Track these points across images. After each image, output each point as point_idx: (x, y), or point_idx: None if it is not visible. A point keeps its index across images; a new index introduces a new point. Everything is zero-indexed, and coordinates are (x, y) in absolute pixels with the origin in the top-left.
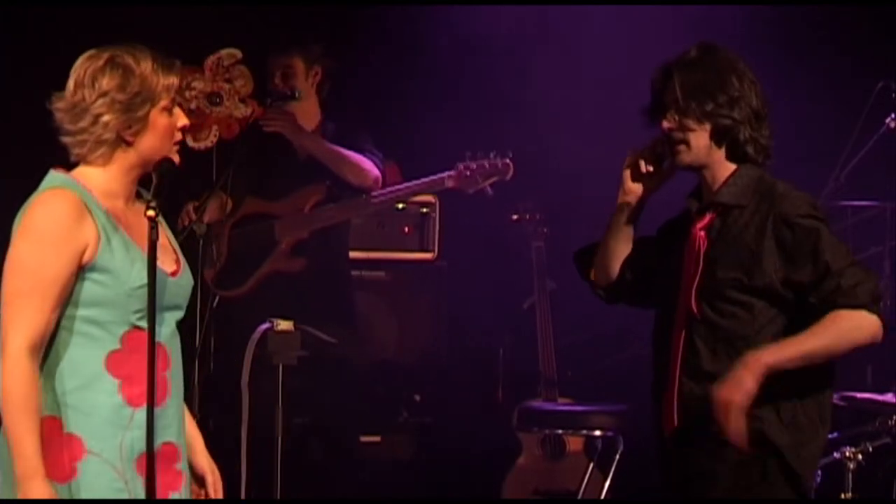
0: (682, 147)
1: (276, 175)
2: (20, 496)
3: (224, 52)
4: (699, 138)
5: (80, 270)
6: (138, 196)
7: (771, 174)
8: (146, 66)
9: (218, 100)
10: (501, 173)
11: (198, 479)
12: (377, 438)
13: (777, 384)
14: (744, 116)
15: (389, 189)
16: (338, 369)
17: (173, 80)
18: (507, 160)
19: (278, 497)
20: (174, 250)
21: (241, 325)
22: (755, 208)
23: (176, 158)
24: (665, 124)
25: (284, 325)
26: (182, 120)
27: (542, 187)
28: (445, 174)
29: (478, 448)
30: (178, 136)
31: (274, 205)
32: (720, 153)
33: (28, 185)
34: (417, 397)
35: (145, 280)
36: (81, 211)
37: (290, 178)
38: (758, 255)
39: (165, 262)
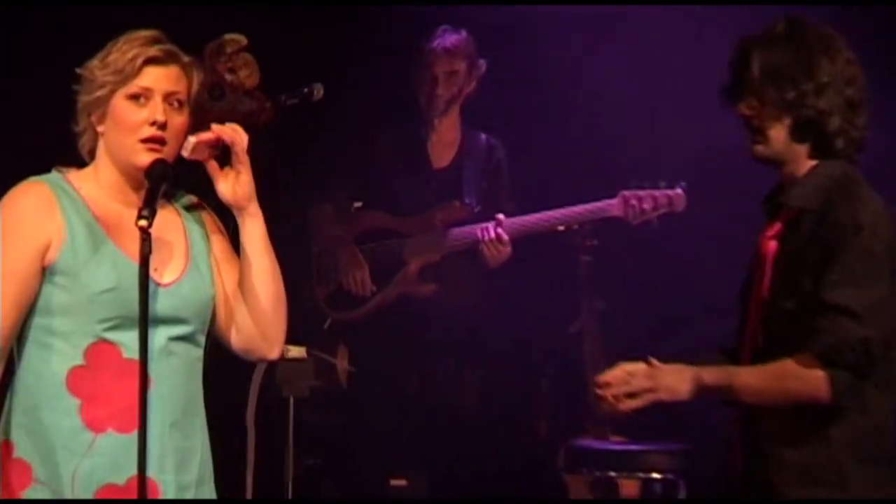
0: (759, 138)
1: (404, 186)
2: None
3: (226, 37)
4: (778, 130)
5: (45, 273)
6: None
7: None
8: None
9: (219, 93)
10: (673, 205)
11: None
12: (404, 482)
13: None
14: (833, 105)
15: (537, 216)
16: (357, 403)
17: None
18: (679, 190)
19: None
20: (186, 256)
21: (356, 351)
22: (823, 213)
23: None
24: (741, 111)
25: (296, 351)
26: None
27: (591, 193)
28: (607, 202)
29: (518, 491)
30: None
31: (403, 221)
32: (802, 148)
33: None
34: (450, 435)
35: (112, 284)
36: (47, 205)
37: (422, 189)
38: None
39: (159, 271)
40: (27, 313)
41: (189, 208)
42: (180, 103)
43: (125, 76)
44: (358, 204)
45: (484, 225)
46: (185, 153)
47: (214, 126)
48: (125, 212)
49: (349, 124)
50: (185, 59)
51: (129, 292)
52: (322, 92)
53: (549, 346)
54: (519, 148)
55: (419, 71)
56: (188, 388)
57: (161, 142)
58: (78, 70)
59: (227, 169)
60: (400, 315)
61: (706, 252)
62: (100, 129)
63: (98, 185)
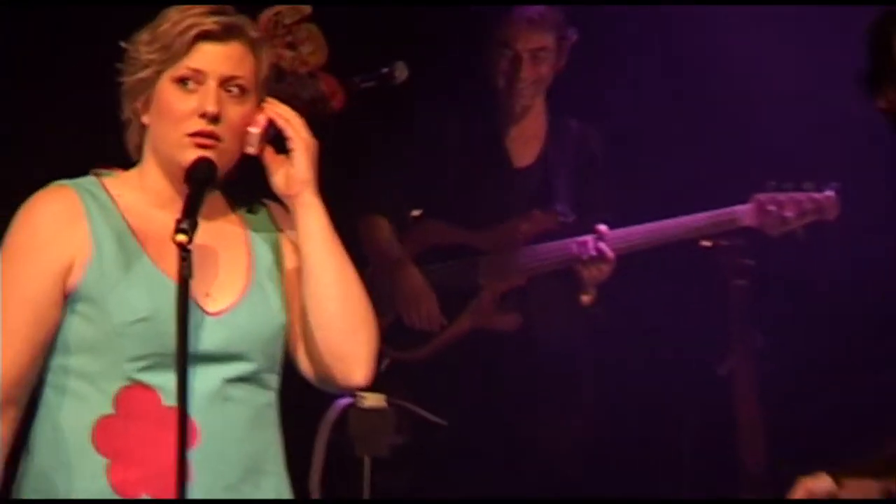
0: None
1: (478, 190)
2: None
3: (284, 6)
4: None
5: (67, 301)
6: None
7: None
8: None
9: (276, 74)
10: (824, 212)
11: None
12: None
13: None
14: None
15: (649, 227)
16: (452, 464)
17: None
18: (831, 192)
19: None
20: (248, 276)
21: (421, 399)
22: None
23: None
24: (880, 106)
25: (372, 399)
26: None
27: (718, 198)
28: (737, 208)
29: None
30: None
31: (477, 234)
32: None
33: None
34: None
35: (146, 312)
36: (71, 216)
37: (501, 194)
38: None
39: (212, 295)
40: (46, 351)
41: (255, 213)
42: (242, 90)
43: (173, 54)
44: (417, 212)
45: (581, 239)
46: (251, 150)
47: (267, 107)
48: (172, 223)
49: (408, 113)
50: (253, 34)
51: (167, 323)
52: (406, 72)
53: (692, 392)
54: (625, 140)
55: (497, 49)
56: (252, 443)
57: (212, 137)
58: (123, 44)
59: (282, 156)
60: (475, 353)
61: (868, 273)
62: (145, 119)
63: (142, 191)
